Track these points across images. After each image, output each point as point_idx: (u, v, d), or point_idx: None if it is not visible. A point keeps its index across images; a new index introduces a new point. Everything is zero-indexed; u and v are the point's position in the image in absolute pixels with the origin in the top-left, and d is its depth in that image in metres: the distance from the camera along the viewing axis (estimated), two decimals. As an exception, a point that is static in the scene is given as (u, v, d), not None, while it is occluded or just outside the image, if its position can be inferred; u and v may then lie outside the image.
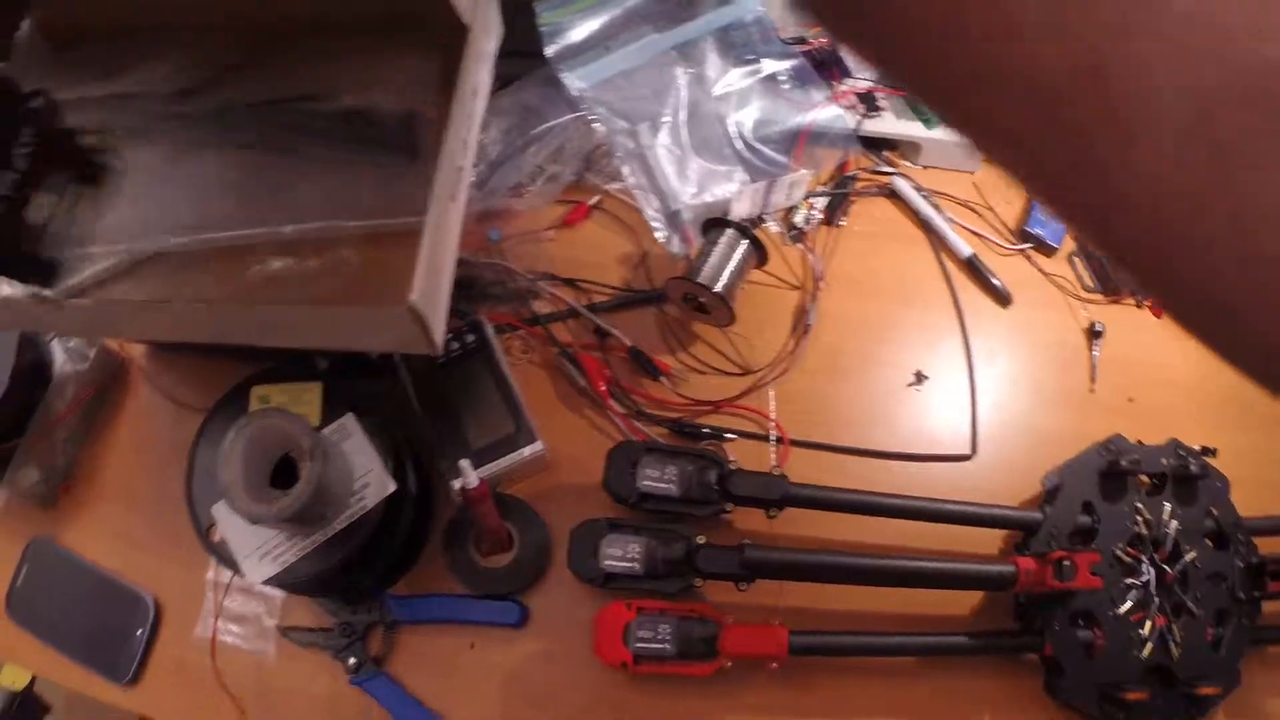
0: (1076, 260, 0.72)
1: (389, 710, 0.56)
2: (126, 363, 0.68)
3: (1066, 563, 0.54)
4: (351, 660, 0.57)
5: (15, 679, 1.15)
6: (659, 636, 0.53)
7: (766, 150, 0.66)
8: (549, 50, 0.64)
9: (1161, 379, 0.69)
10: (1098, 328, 0.69)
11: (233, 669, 0.58)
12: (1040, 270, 0.70)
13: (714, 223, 0.62)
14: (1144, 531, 0.59)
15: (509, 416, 0.58)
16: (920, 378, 0.64)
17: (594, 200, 0.67)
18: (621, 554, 0.55)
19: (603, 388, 0.60)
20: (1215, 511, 0.62)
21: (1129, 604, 0.58)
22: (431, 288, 0.43)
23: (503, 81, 0.67)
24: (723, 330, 0.63)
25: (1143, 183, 0.18)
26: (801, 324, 0.64)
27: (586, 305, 0.63)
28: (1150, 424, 0.64)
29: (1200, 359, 0.72)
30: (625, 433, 0.60)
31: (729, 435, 0.60)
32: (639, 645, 0.53)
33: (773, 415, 0.61)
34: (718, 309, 0.60)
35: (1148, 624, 0.58)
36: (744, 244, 0.61)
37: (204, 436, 0.56)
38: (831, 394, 0.63)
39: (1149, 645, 0.57)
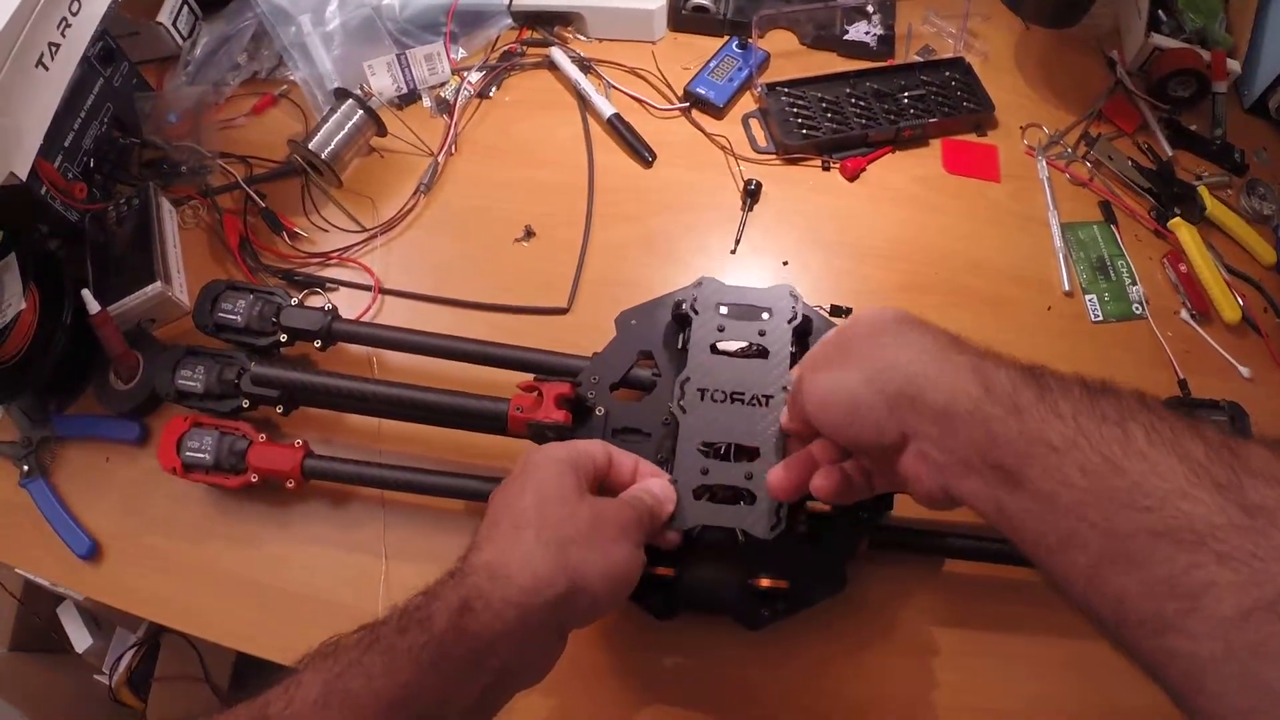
0: (752, 121, 0.68)
1: (41, 510, 0.66)
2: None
3: (536, 394, 0.51)
4: (25, 467, 0.68)
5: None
6: (202, 448, 0.58)
7: (422, 33, 0.70)
8: (237, -41, 0.73)
9: (836, 244, 0.63)
10: (752, 186, 0.64)
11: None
12: (701, 130, 0.67)
13: (339, 93, 0.66)
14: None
15: (147, 264, 0.66)
16: (529, 233, 0.64)
17: (279, 90, 0.74)
18: (190, 375, 0.61)
19: (235, 244, 0.67)
20: None
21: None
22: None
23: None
24: (354, 194, 0.68)
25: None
26: (420, 186, 0.66)
27: (245, 177, 0.70)
28: (804, 289, 0.58)
29: (896, 226, 0.65)
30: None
31: (330, 284, 0.64)
32: (187, 454, 0.58)
33: (368, 265, 0.64)
34: (325, 171, 0.65)
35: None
36: (359, 113, 0.65)
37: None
38: (441, 250, 0.65)
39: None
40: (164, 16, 0.75)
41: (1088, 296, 0.66)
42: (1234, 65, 0.73)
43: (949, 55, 0.71)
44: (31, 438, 0.68)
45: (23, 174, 0.60)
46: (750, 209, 0.64)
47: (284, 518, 0.60)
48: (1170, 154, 0.72)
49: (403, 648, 0.34)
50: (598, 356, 0.56)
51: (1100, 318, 0.66)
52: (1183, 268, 0.68)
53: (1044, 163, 0.69)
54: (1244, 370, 0.65)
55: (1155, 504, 0.27)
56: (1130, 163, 0.70)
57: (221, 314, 0.61)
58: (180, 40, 0.76)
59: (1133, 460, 0.28)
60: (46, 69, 0.61)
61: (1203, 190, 0.70)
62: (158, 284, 0.65)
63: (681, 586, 0.52)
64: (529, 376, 0.57)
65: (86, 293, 0.62)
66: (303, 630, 0.56)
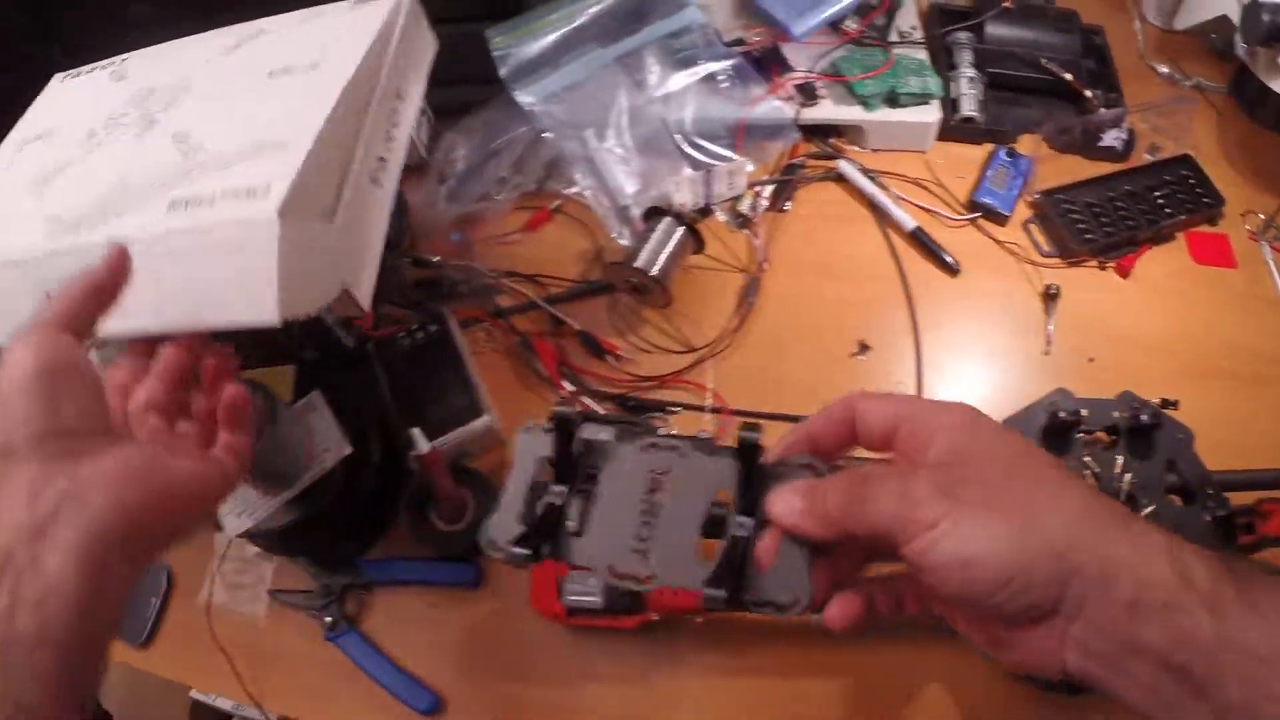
0: (1032, 227, 0.72)
1: (358, 664, 0.62)
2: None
3: None
4: (328, 619, 0.63)
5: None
6: (589, 589, 0.56)
7: (710, 145, 0.71)
8: (502, 71, 0.71)
9: (1122, 338, 0.68)
10: (1052, 291, 0.68)
11: (229, 630, 0.65)
12: (992, 239, 0.71)
13: (653, 211, 0.66)
14: (1094, 485, 0.58)
15: (464, 395, 0.64)
16: (864, 348, 0.66)
17: (554, 205, 0.73)
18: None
19: (554, 369, 0.65)
20: (1178, 465, 0.60)
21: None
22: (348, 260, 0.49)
23: (471, 105, 0.75)
24: (669, 312, 0.67)
25: None
26: (744, 303, 0.67)
27: (544, 298, 0.68)
28: (1111, 383, 0.63)
29: (1163, 320, 0.71)
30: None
31: (672, 407, 0.64)
32: (571, 598, 0.56)
33: (709, 386, 0.64)
34: (654, 290, 0.65)
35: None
36: (679, 230, 0.65)
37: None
38: (775, 367, 0.66)
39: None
40: (412, 128, 0.72)
41: (1330, 369, 0.74)
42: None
43: (1174, 153, 0.78)
44: (331, 586, 0.64)
45: (367, 303, 0.54)
46: (1052, 311, 0.68)
47: (667, 651, 0.59)
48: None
49: None
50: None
51: (1337, 388, 0.73)
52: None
53: (1267, 246, 0.77)
54: None
55: None
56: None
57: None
58: (423, 150, 0.74)
59: None
60: (378, 184, 0.57)
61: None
62: (486, 417, 0.62)
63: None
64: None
65: (417, 431, 0.59)
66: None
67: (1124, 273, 0.72)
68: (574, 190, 0.72)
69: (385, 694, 0.60)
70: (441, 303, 0.69)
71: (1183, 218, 0.74)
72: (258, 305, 0.41)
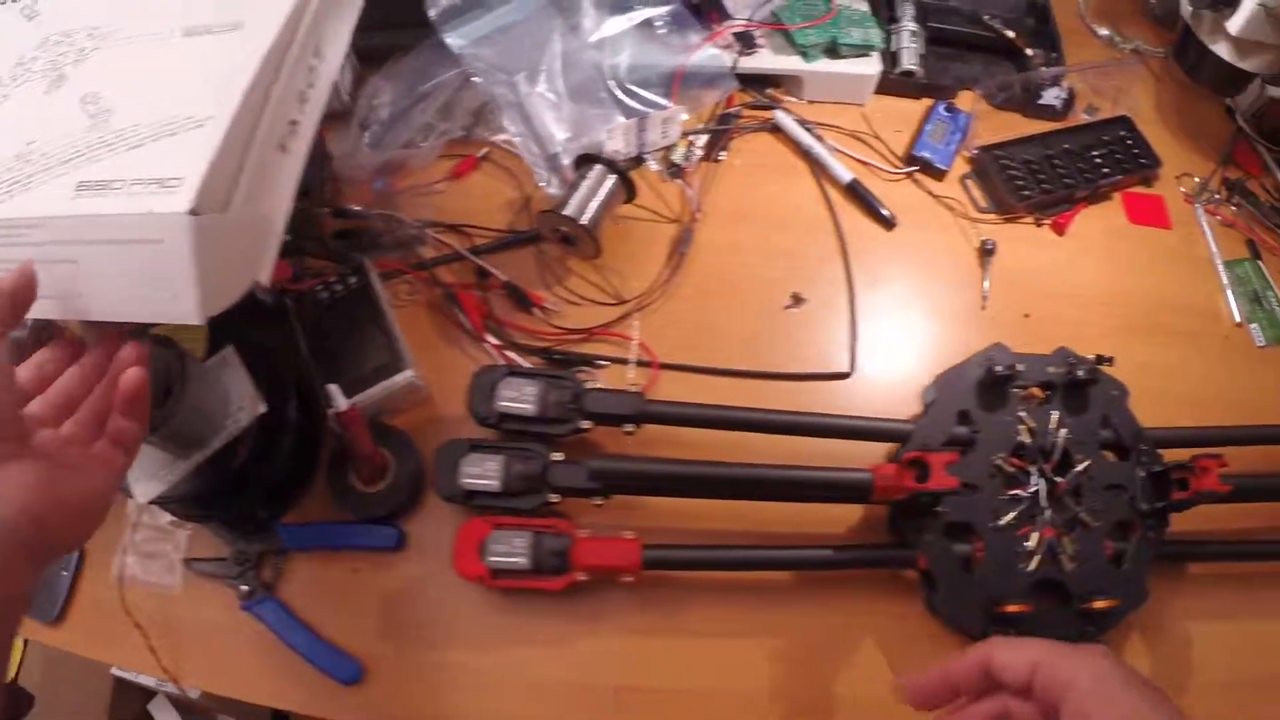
0: (969, 182, 0.71)
1: (277, 633, 0.59)
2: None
3: (922, 464, 0.53)
4: (244, 587, 0.60)
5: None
6: (513, 550, 0.54)
7: (644, 93, 0.68)
8: (431, 13, 0.68)
9: (1058, 295, 0.68)
10: (988, 246, 0.68)
11: (143, 603, 0.62)
12: (929, 193, 0.70)
13: (583, 159, 0.64)
14: (1028, 441, 0.58)
15: (385, 350, 0.61)
16: (797, 300, 0.65)
17: (481, 152, 0.70)
18: (479, 472, 0.56)
19: (478, 322, 0.62)
20: (1112, 420, 0.60)
21: (1011, 516, 0.56)
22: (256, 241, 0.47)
23: (399, 50, 0.71)
24: (598, 263, 0.65)
25: None
26: (675, 254, 0.65)
27: (469, 249, 0.65)
28: (1048, 338, 0.63)
29: (1097, 278, 0.70)
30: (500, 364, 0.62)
31: (599, 361, 0.62)
32: (494, 560, 0.54)
33: (635, 338, 0.62)
34: (584, 240, 0.62)
35: (1034, 536, 0.56)
36: (611, 178, 0.63)
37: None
38: (706, 319, 0.64)
39: (1035, 558, 0.56)
40: (333, 73, 0.68)
41: (1252, 325, 0.75)
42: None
43: (1112, 114, 0.78)
44: (247, 552, 0.61)
45: (267, 279, 0.47)
46: (988, 267, 0.68)
47: (591, 611, 0.57)
48: (1288, 193, 0.82)
49: None
50: (925, 419, 0.58)
51: (1264, 343, 0.74)
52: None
53: (1200, 208, 0.78)
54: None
55: None
56: (1269, 205, 0.79)
57: (505, 403, 0.57)
58: (345, 95, 0.70)
59: None
60: (286, 151, 0.53)
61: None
62: (408, 372, 0.60)
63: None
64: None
65: (334, 388, 0.56)
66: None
67: (1060, 230, 0.71)
68: (502, 138, 0.69)
69: (305, 664, 0.58)
70: (363, 254, 0.65)
71: (1120, 178, 0.74)
72: (178, 304, 0.40)
